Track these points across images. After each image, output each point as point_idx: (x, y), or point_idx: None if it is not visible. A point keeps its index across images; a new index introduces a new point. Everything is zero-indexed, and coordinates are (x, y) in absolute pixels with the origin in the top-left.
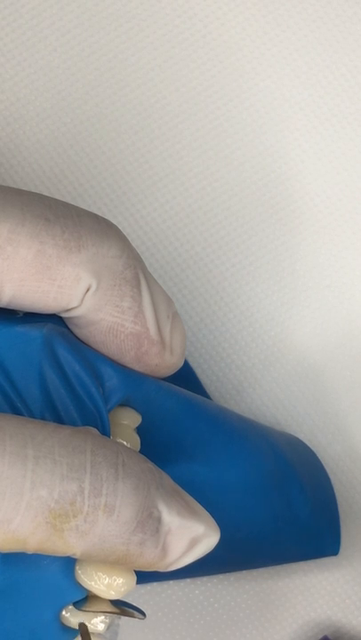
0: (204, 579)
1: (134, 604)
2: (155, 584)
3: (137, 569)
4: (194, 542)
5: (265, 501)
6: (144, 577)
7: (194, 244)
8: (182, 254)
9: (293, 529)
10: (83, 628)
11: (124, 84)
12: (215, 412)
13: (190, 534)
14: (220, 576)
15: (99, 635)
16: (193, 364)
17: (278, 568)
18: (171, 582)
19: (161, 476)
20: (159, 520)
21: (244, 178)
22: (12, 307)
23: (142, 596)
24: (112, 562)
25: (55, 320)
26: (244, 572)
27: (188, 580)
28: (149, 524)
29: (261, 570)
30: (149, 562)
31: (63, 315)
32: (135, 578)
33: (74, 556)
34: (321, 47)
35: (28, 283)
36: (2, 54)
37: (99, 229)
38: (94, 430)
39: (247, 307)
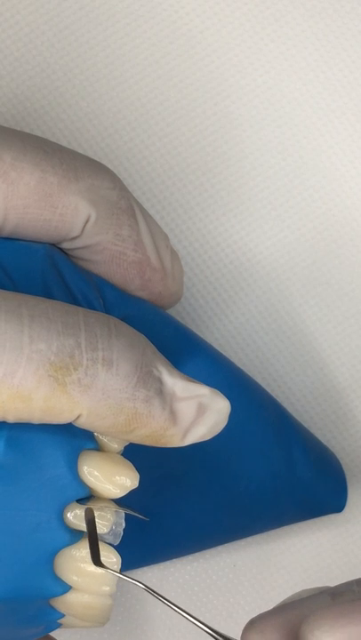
0: (204, 575)
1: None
2: (155, 580)
3: (151, 441)
4: (202, 410)
5: (264, 455)
6: (145, 558)
7: (192, 241)
8: (180, 252)
9: (295, 491)
10: (89, 514)
11: (122, 80)
12: (215, 352)
13: (197, 399)
14: (220, 572)
15: (101, 536)
16: None
17: (278, 567)
18: (170, 579)
19: (156, 349)
20: (160, 380)
21: (243, 174)
22: (15, 236)
23: (142, 592)
24: (123, 424)
25: None
26: (243, 568)
27: (188, 577)
28: (151, 381)
29: (261, 567)
30: (161, 426)
31: (65, 245)
32: (138, 475)
33: (81, 419)
34: (319, 43)
35: (31, 210)
36: None
37: (92, 164)
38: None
39: (245, 303)
